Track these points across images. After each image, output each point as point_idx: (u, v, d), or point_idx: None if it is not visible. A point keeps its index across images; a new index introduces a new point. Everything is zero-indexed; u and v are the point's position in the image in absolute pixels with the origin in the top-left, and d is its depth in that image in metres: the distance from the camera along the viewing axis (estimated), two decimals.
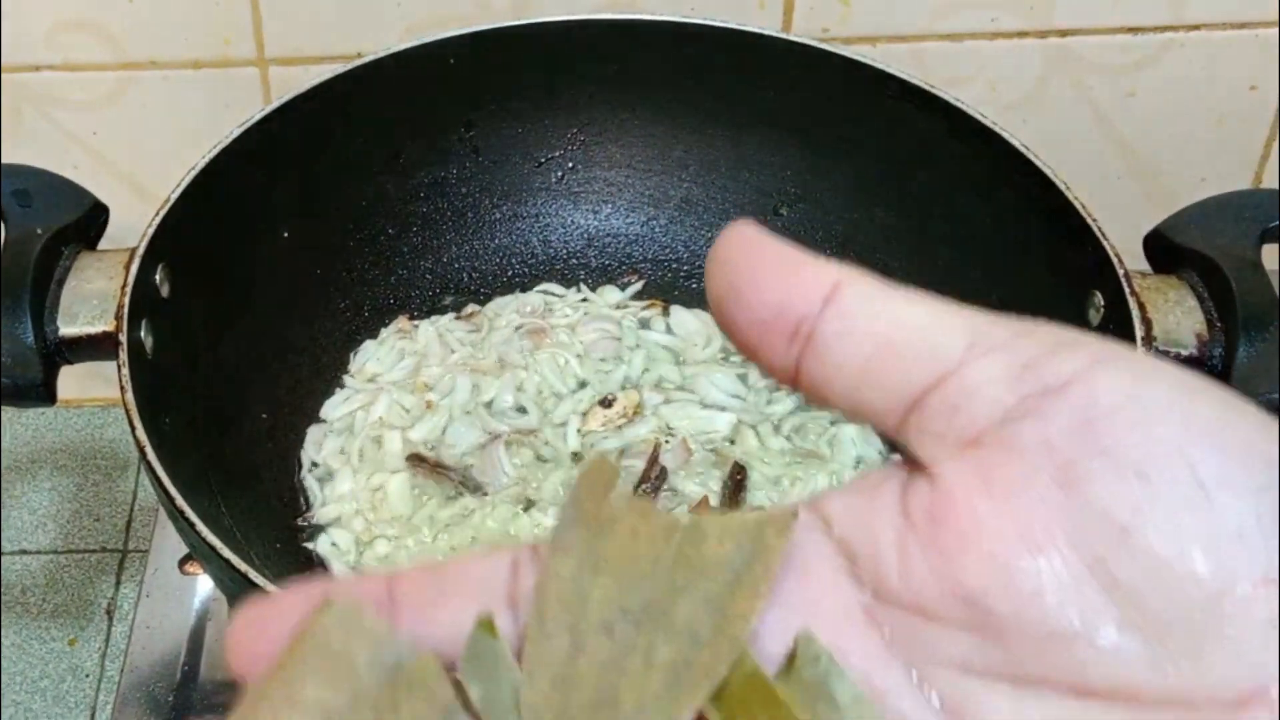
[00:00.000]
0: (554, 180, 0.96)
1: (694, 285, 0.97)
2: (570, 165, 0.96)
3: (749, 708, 0.30)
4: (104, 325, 0.74)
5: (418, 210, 0.94)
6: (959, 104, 0.84)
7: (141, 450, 0.68)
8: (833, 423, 0.90)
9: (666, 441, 0.86)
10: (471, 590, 0.33)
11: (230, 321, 0.83)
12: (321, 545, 0.83)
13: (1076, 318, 0.77)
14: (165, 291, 0.77)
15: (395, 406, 0.89)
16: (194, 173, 0.79)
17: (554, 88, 0.93)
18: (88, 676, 0.98)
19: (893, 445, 0.88)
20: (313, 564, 0.82)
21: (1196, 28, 1.00)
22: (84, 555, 1.05)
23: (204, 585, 0.89)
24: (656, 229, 0.97)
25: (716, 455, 0.86)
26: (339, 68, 0.87)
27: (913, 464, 0.33)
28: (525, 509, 0.83)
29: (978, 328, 0.32)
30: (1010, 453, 0.31)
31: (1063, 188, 0.79)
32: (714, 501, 0.83)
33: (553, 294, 0.96)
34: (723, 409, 0.90)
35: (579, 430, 0.88)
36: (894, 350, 0.32)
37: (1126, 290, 0.74)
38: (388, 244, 0.93)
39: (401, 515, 0.84)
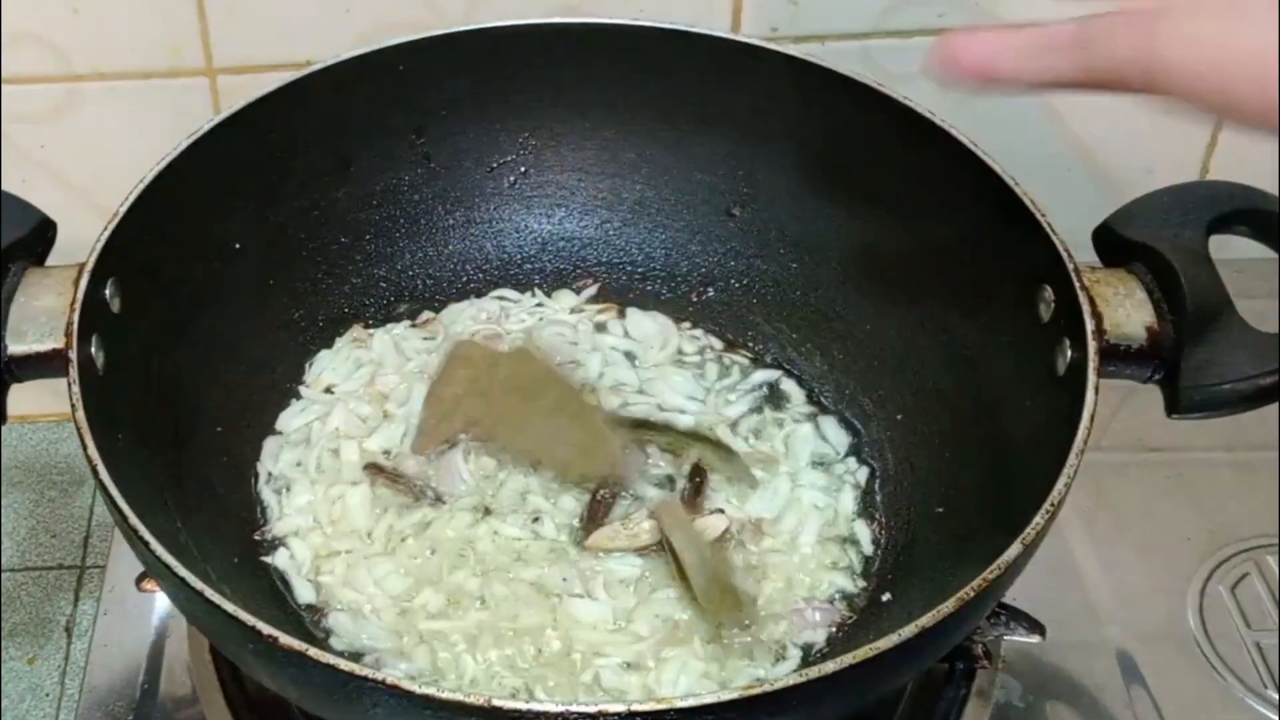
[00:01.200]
0: (507, 185, 0.96)
1: (649, 287, 0.97)
2: (523, 170, 0.96)
3: None
4: (53, 342, 0.73)
5: (370, 218, 0.94)
6: (907, 101, 0.84)
7: (94, 468, 0.68)
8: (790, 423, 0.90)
9: (625, 446, 0.86)
10: None
11: (183, 335, 0.83)
12: (279, 558, 0.82)
13: (1027, 311, 0.78)
14: (116, 307, 0.77)
15: (352, 416, 0.88)
16: (142, 185, 0.79)
17: (505, 93, 0.93)
18: (47, 695, 0.97)
19: (854, 449, 0.87)
20: (271, 577, 0.81)
21: None
22: (41, 572, 1.04)
23: (162, 602, 0.88)
24: (610, 232, 0.97)
25: (674, 458, 0.86)
26: (288, 76, 0.86)
27: None
28: (483, 516, 0.83)
29: None
30: None
31: (1011, 183, 0.79)
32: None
33: (508, 299, 0.96)
34: (681, 411, 0.90)
35: None
36: None
37: (1076, 284, 0.74)
38: (341, 253, 0.93)
39: (360, 527, 0.83)
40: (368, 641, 0.78)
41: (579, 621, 0.78)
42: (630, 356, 0.94)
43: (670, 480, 0.85)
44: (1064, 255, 0.76)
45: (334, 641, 0.78)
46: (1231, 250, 0.81)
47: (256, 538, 0.83)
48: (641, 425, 0.86)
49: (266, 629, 0.62)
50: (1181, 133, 1.07)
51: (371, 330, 0.93)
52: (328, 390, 0.90)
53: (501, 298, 0.96)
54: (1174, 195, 0.80)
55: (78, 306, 0.73)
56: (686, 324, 0.96)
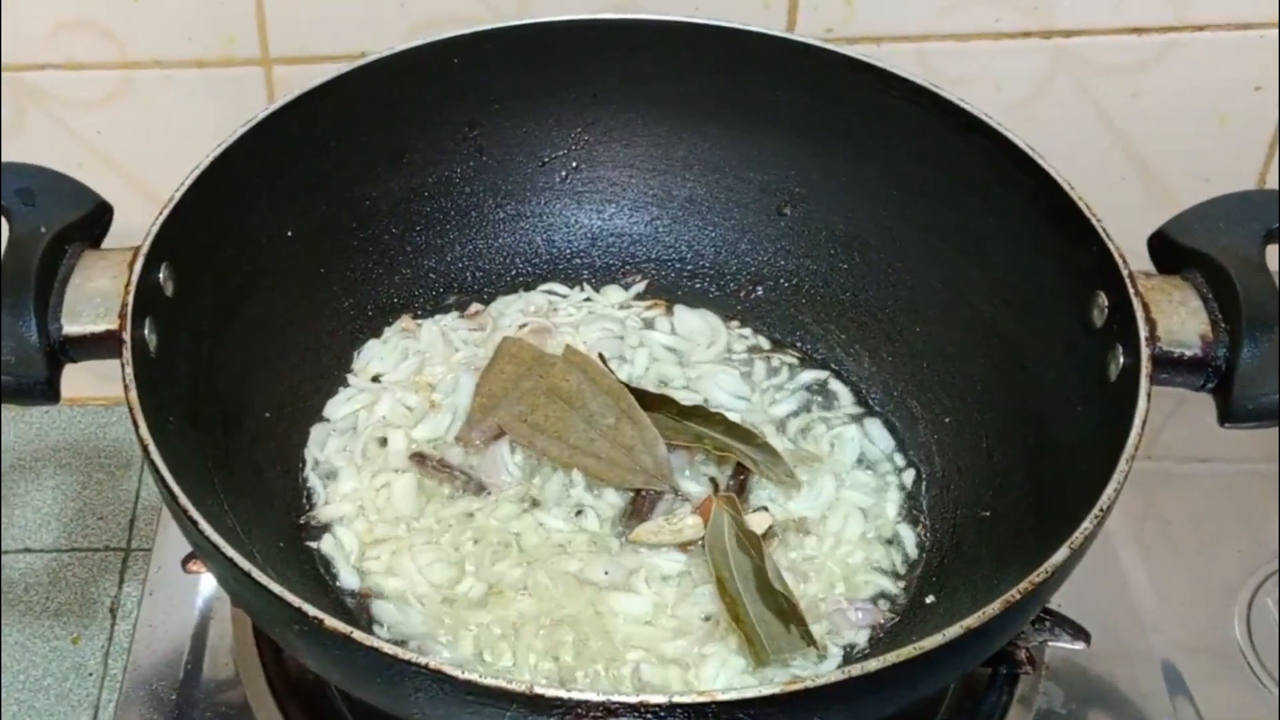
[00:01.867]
0: (558, 180, 0.96)
1: (697, 285, 0.97)
2: (574, 165, 0.96)
3: None
4: (107, 324, 0.74)
5: (422, 209, 0.94)
6: (963, 104, 0.84)
7: (145, 449, 0.68)
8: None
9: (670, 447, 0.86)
10: None
11: (234, 320, 0.83)
12: (325, 544, 0.82)
13: (1079, 317, 0.77)
14: (169, 290, 0.77)
15: (398, 405, 0.89)
16: (197, 171, 0.79)
17: (558, 87, 0.93)
18: (91, 675, 0.98)
19: (900, 451, 0.87)
20: (316, 563, 0.82)
21: (1200, 28, 1.00)
22: (87, 554, 1.05)
23: (207, 584, 0.89)
24: (660, 229, 0.97)
25: (720, 456, 0.86)
26: (343, 67, 0.87)
27: None
28: (528, 508, 0.83)
29: None
30: None
31: (1066, 188, 0.78)
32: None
33: (556, 294, 0.96)
34: (727, 409, 0.89)
35: None
36: None
37: (1130, 291, 0.74)
38: (391, 243, 0.93)
39: (405, 515, 0.83)
40: (410, 627, 0.78)
41: (620, 614, 0.78)
42: (677, 354, 0.93)
43: (713, 481, 0.85)
44: (1119, 261, 0.75)
45: (376, 627, 0.79)
46: None
47: (302, 522, 0.84)
48: (692, 414, 0.86)
49: (312, 610, 0.62)
50: (1239, 142, 1.06)
51: (420, 321, 0.94)
52: (375, 379, 0.91)
53: (550, 292, 0.96)
54: (1230, 204, 0.80)
55: (132, 289, 0.74)
56: (735, 322, 0.95)
